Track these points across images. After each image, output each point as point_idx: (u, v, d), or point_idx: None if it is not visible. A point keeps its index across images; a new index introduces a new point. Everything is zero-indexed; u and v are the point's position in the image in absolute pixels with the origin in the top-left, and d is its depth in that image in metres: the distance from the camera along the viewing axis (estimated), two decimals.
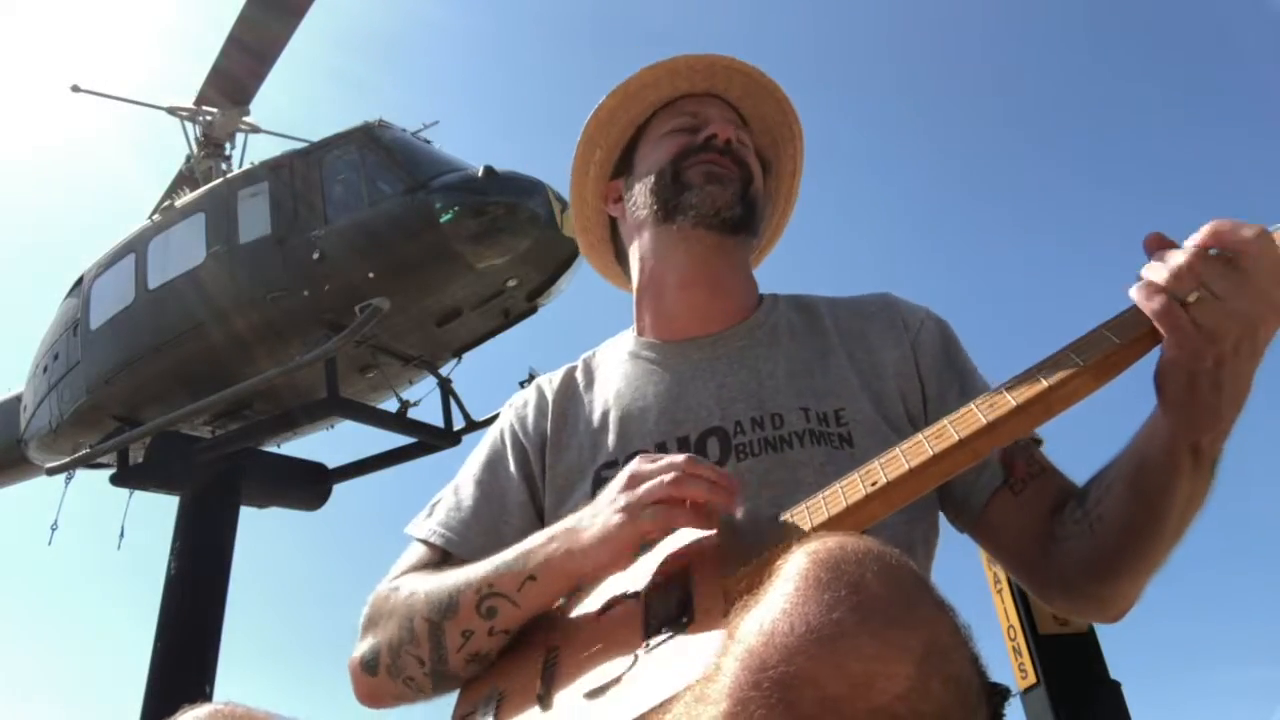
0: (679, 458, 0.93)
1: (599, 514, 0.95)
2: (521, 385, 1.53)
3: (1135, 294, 0.84)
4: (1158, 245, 0.85)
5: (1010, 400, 0.85)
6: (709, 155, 1.24)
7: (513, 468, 1.22)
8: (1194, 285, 0.80)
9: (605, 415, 1.21)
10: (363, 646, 1.09)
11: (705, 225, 1.21)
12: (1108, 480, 0.98)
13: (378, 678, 1.06)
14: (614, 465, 1.14)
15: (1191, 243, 0.82)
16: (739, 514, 1.05)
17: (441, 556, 1.17)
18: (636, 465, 0.95)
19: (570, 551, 0.96)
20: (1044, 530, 1.06)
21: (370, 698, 1.08)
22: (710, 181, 1.22)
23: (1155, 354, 0.87)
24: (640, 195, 1.28)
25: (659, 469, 0.93)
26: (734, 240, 1.24)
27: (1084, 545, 1.00)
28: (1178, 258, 0.82)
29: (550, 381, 1.30)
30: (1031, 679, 8.45)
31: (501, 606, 0.99)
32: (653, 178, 1.26)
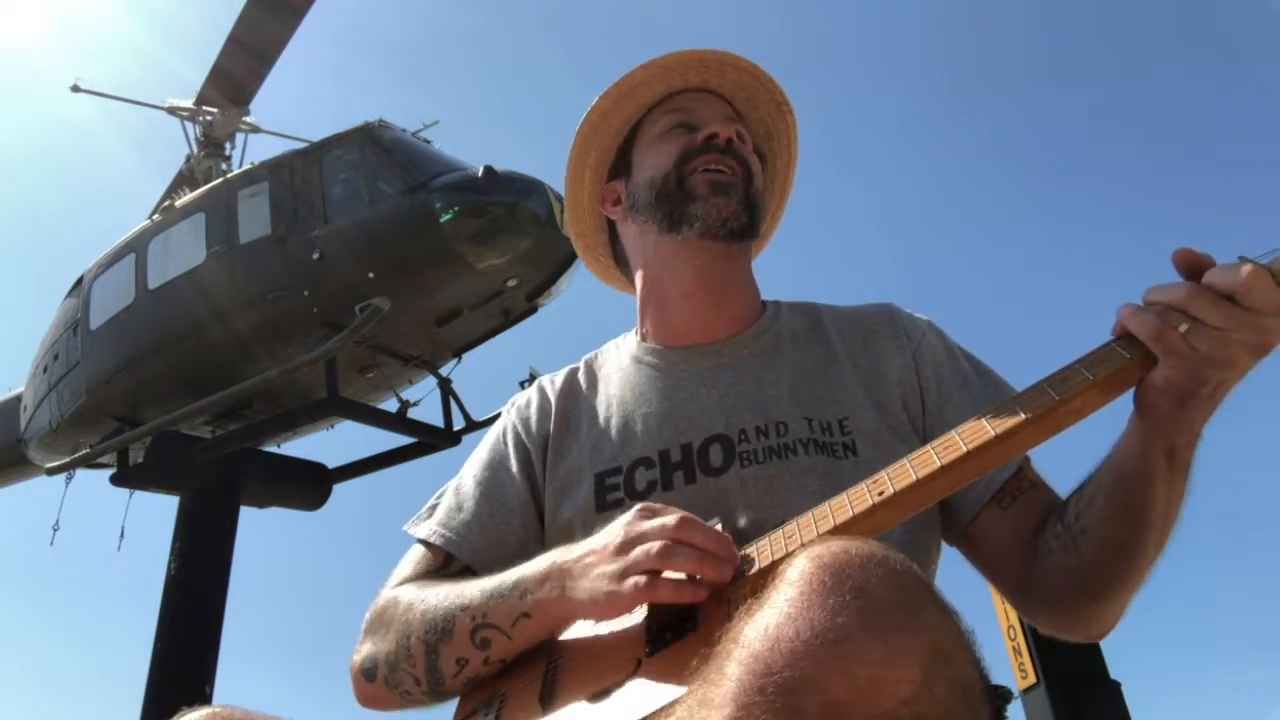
0: (672, 520, 0.89)
1: (591, 568, 0.91)
2: (521, 385, 1.53)
3: (1128, 322, 0.84)
4: (1185, 262, 0.85)
5: (1020, 414, 0.85)
6: (710, 157, 1.22)
7: (514, 468, 1.22)
8: (1180, 318, 0.81)
9: (608, 419, 1.20)
10: (363, 651, 1.09)
11: (711, 236, 1.20)
12: (1088, 494, 0.98)
13: (375, 685, 1.07)
14: (617, 472, 1.14)
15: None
16: (742, 522, 1.04)
17: (444, 558, 1.17)
18: (631, 523, 0.91)
19: (563, 600, 0.94)
20: (1028, 545, 1.05)
21: (369, 702, 1.09)
22: (716, 193, 1.20)
23: None
24: (643, 201, 1.26)
25: (651, 531, 0.89)
26: (738, 246, 1.23)
27: (1067, 561, 0.99)
28: (1174, 291, 0.83)
29: (553, 382, 1.30)
30: (1031, 679, 8.45)
31: (495, 639, 0.98)
32: (656, 183, 1.24)
